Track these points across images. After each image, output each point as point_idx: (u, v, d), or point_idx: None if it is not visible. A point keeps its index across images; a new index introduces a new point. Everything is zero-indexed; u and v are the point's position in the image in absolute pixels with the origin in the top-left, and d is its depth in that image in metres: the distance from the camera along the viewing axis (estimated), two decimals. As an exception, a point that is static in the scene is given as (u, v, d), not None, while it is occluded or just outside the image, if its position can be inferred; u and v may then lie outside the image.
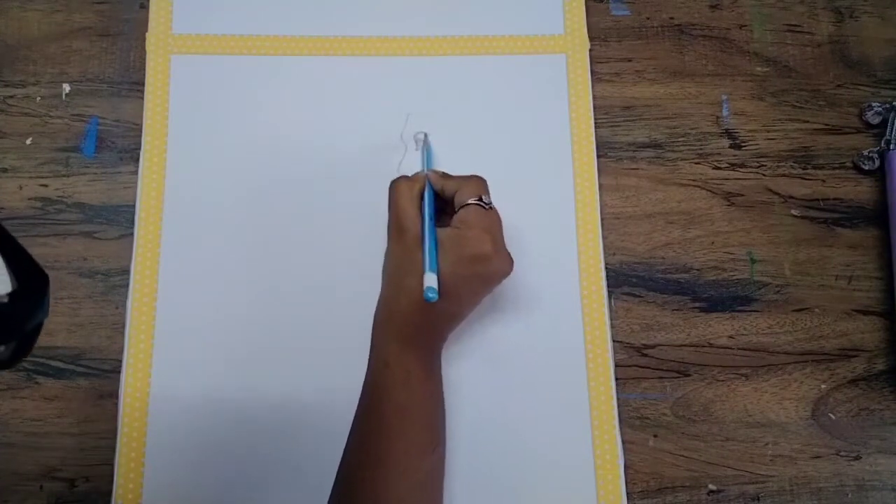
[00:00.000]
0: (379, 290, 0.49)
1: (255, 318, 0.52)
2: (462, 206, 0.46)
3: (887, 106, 0.58)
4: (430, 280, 0.43)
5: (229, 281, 0.53)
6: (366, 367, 0.49)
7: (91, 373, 0.51)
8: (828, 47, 0.60)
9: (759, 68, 0.60)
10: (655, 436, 0.52)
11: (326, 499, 0.48)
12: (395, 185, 0.49)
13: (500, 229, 0.47)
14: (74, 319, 0.52)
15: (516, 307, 0.53)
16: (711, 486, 0.51)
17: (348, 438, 0.45)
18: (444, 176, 0.49)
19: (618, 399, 0.52)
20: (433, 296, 0.42)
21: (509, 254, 0.47)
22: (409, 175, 0.50)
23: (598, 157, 0.57)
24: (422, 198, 0.48)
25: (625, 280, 0.55)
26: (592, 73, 0.58)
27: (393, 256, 0.48)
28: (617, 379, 0.52)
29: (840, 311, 0.55)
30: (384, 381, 0.44)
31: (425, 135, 0.54)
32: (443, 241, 0.45)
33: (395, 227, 0.47)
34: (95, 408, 0.51)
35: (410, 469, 0.42)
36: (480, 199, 0.46)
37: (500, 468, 0.50)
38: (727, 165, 0.58)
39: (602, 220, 0.55)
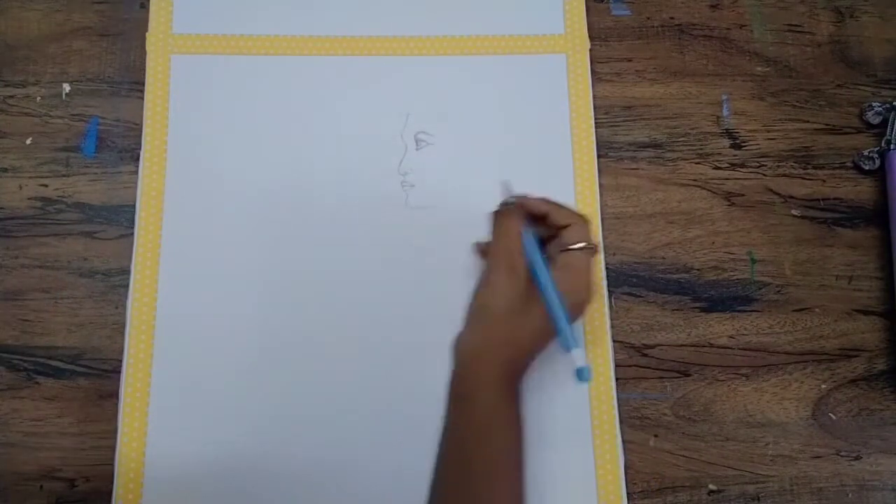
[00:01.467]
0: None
1: (256, 317, 0.52)
2: (570, 248, 0.44)
3: (887, 106, 0.58)
4: (581, 358, 0.42)
5: (229, 280, 0.53)
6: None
7: (91, 373, 0.51)
8: (828, 47, 0.60)
9: (759, 68, 0.60)
10: (656, 436, 0.52)
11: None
12: (505, 216, 0.45)
13: (589, 275, 0.45)
14: (74, 319, 0.52)
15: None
16: (712, 486, 0.51)
17: (434, 481, 0.42)
18: (553, 204, 0.46)
19: (618, 399, 0.52)
20: (589, 377, 0.41)
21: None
22: (509, 203, 0.46)
23: (599, 156, 0.57)
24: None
25: (625, 280, 0.55)
26: (593, 72, 0.58)
27: (500, 293, 0.43)
28: (617, 379, 0.52)
29: (840, 311, 0.55)
30: (489, 422, 0.41)
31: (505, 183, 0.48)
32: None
33: (506, 265, 0.44)
34: (96, 408, 0.51)
35: None
36: (588, 244, 0.45)
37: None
38: (727, 165, 0.57)
39: (602, 219, 0.55)
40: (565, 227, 0.45)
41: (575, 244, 0.44)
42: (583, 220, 0.45)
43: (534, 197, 0.46)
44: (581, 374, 0.42)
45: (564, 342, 0.42)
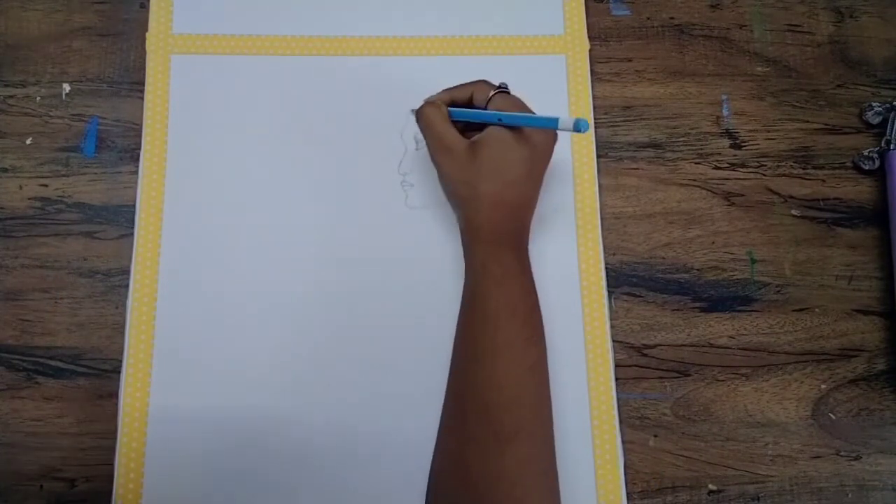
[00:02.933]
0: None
1: (255, 317, 0.52)
2: (488, 101, 0.48)
3: (887, 106, 0.58)
4: (567, 120, 0.42)
5: (229, 280, 0.53)
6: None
7: (91, 373, 0.51)
8: (828, 47, 0.60)
9: (759, 68, 0.60)
10: (655, 436, 0.52)
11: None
12: (422, 113, 0.49)
13: (527, 108, 0.48)
14: (74, 319, 0.52)
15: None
16: (711, 486, 0.51)
17: (454, 345, 0.47)
18: (448, 90, 0.50)
19: (618, 399, 0.52)
20: (586, 124, 0.42)
21: None
22: (427, 100, 0.50)
23: (599, 156, 0.57)
24: (450, 116, 0.49)
25: (625, 280, 0.55)
26: (592, 72, 0.58)
27: (452, 175, 0.48)
28: (617, 379, 0.52)
29: (840, 311, 0.55)
30: (484, 281, 0.46)
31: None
32: (490, 137, 0.46)
33: (441, 149, 0.48)
34: (95, 408, 0.51)
35: (518, 357, 0.44)
36: (500, 87, 0.48)
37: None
38: (727, 165, 0.58)
39: (602, 219, 0.55)
40: (472, 95, 0.49)
41: (489, 94, 0.48)
42: (479, 81, 0.49)
43: (435, 94, 0.51)
44: (579, 125, 0.42)
45: (547, 123, 0.44)
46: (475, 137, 0.47)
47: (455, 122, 0.49)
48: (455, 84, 0.50)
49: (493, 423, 0.42)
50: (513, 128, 0.46)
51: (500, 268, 0.46)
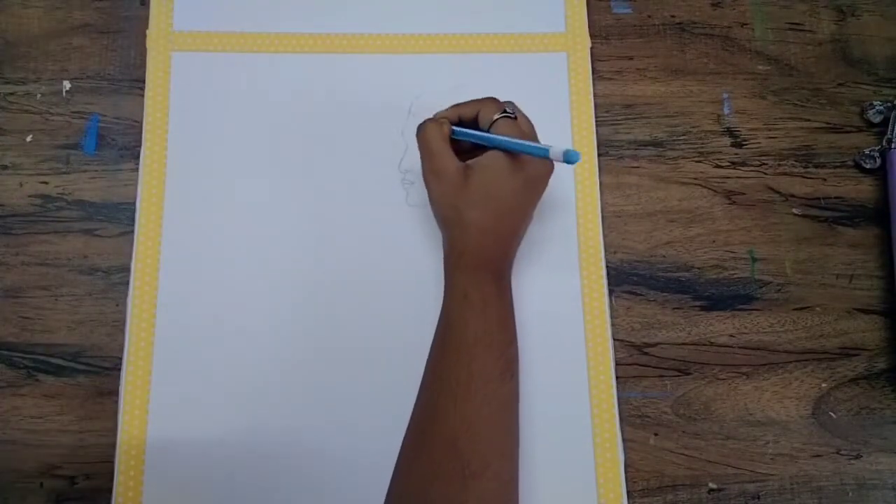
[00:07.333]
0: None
1: (256, 314, 0.52)
2: (491, 124, 0.47)
3: (889, 104, 0.58)
4: (558, 150, 0.41)
5: (230, 278, 0.53)
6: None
7: (91, 370, 0.51)
8: (829, 46, 0.60)
9: (760, 66, 0.60)
10: (656, 434, 0.52)
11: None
12: (424, 129, 0.48)
13: (534, 133, 0.47)
14: (75, 317, 0.52)
15: (517, 305, 0.52)
16: (712, 485, 0.51)
17: (424, 373, 0.46)
18: (457, 106, 0.49)
19: (618, 397, 0.52)
20: (576, 155, 0.40)
21: None
22: (432, 118, 0.49)
23: (599, 155, 0.57)
24: (451, 137, 0.48)
25: (625, 278, 0.55)
26: (594, 70, 0.58)
27: (441, 199, 0.47)
28: (617, 377, 0.52)
29: (841, 310, 0.55)
30: (463, 311, 0.45)
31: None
32: (484, 163, 0.45)
33: (433, 171, 0.47)
34: (96, 405, 0.51)
35: (490, 394, 0.43)
36: (505, 112, 0.47)
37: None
38: (728, 164, 0.57)
39: (603, 218, 0.55)
40: (478, 114, 0.48)
41: (493, 117, 0.47)
42: (488, 100, 0.48)
43: (443, 109, 0.50)
44: (569, 157, 0.41)
45: (539, 152, 0.43)
46: (471, 161, 0.46)
47: (462, 142, 0.48)
48: (465, 98, 0.49)
49: (461, 459, 0.41)
50: (510, 154, 0.45)
51: (480, 296, 0.45)
